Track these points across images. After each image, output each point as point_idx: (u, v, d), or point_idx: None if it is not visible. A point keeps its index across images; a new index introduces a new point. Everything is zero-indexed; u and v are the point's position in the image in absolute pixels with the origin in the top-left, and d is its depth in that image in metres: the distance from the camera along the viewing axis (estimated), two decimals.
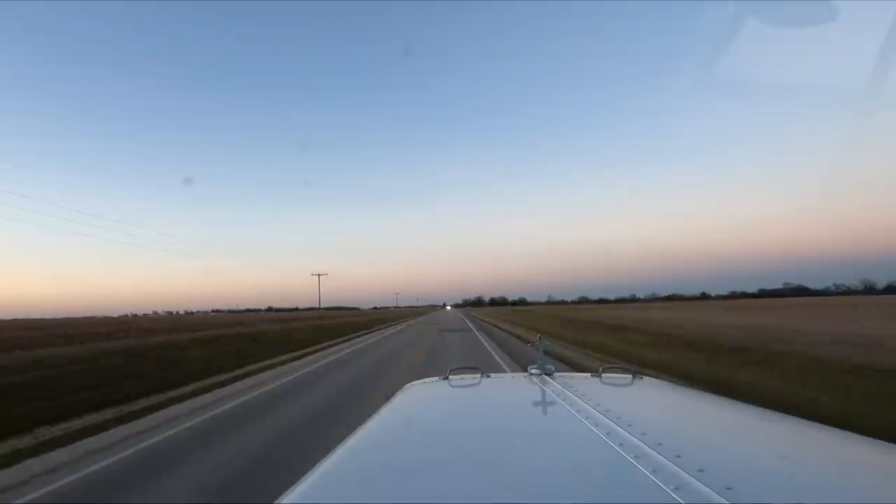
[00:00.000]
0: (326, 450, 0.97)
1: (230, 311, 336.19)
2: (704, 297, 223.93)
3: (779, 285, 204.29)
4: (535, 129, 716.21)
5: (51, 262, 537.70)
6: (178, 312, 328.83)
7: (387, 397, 1.57)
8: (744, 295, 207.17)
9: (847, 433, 0.98)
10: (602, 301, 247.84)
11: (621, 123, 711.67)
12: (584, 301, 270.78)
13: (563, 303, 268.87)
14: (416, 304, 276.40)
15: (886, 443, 0.90)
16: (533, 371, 1.60)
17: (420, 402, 1.52)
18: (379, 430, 1.20)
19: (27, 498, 4.08)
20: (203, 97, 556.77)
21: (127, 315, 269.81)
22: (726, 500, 0.61)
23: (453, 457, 0.93)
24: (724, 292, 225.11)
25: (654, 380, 1.61)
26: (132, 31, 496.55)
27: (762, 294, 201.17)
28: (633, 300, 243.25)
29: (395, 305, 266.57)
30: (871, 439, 0.94)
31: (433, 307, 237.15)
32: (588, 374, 1.62)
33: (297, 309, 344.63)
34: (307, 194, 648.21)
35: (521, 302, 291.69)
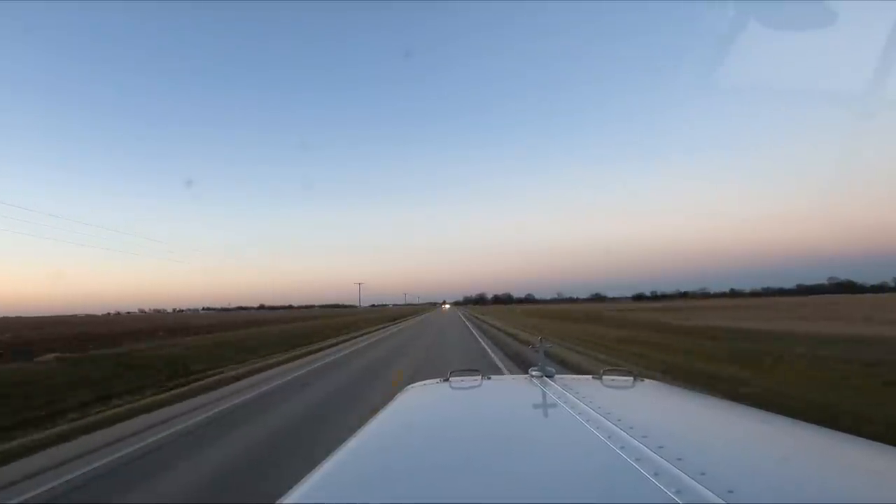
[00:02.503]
0: None
1: (222, 310, 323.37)
2: (734, 293, 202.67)
3: (822, 280, 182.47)
4: (541, 124, 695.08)
5: (48, 261, 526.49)
6: (165, 311, 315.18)
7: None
8: (780, 292, 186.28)
9: (848, 436, 0.98)
10: (640, 297, 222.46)
11: (632, 116, 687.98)
12: (597, 298, 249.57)
13: (573, 300, 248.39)
14: (414, 302, 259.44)
15: (888, 446, 0.90)
16: (533, 373, 1.59)
17: (421, 403, 1.52)
18: (379, 431, 1.20)
19: None
20: (198, 94, 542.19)
21: (109, 314, 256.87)
22: (727, 502, 0.60)
23: (454, 459, 0.92)
24: (757, 288, 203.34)
25: (655, 382, 1.59)
26: (132, 29, 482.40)
27: (800, 290, 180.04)
28: (657, 297, 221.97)
29: (394, 303, 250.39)
30: (872, 442, 0.93)
31: (433, 304, 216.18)
32: (589, 377, 1.60)
33: (290, 307, 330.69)
34: (306, 192, 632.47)
35: (529, 299, 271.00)
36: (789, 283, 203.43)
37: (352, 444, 1.06)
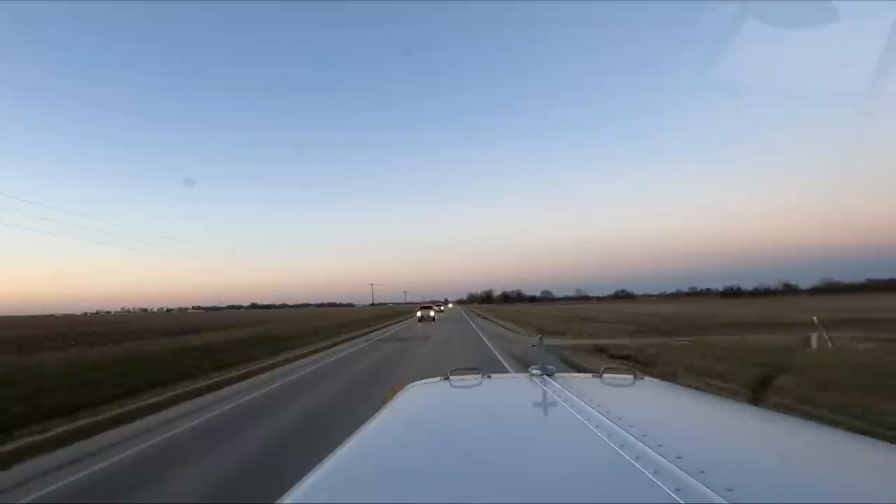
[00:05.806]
0: None
1: (215, 308, 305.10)
2: (788, 289, 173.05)
3: None
4: (547, 122, 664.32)
5: (47, 260, 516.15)
6: (151, 310, 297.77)
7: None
8: (849, 287, 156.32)
9: (848, 434, 1.00)
10: (673, 295, 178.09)
11: (643, 114, 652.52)
12: (623, 296, 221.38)
13: (595, 299, 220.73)
14: (413, 300, 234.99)
15: (887, 443, 0.91)
16: (534, 371, 1.60)
17: (421, 402, 1.53)
18: (380, 430, 1.21)
19: None
20: (197, 92, 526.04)
21: (87, 313, 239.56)
22: (727, 500, 0.61)
23: (454, 458, 0.93)
24: (816, 282, 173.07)
25: (654, 380, 1.61)
26: (132, 29, 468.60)
27: (871, 285, 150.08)
28: (693, 293, 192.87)
29: (395, 302, 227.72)
30: (872, 440, 0.95)
31: (436, 303, 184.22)
32: (589, 375, 1.63)
33: (284, 305, 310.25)
34: (304, 191, 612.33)
35: (545, 297, 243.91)
36: (853, 278, 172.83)
37: (353, 442, 1.05)
